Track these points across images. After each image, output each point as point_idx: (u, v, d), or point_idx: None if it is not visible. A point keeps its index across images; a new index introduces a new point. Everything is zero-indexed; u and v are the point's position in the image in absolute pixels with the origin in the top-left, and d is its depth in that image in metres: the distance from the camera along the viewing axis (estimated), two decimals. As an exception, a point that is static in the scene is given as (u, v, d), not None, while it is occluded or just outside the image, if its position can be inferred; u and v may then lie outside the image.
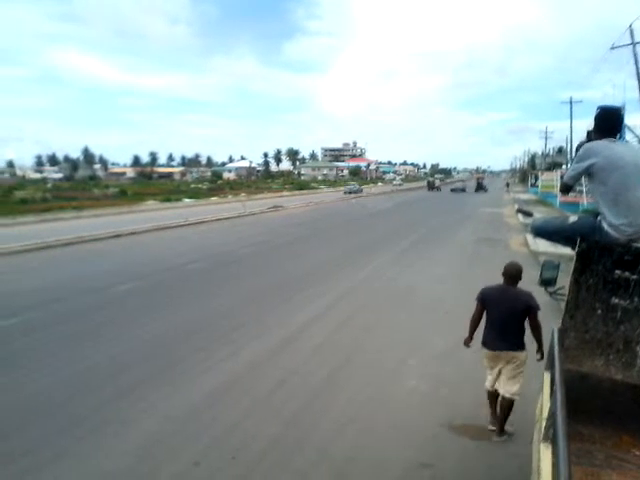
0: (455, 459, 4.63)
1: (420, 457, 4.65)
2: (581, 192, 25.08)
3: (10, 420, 5.39)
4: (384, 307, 9.86)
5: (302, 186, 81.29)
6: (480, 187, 66.30)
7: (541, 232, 4.25)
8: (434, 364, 6.92)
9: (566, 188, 3.93)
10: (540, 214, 23.17)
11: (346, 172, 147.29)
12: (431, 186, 73.86)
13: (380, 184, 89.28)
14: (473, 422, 5.30)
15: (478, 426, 5.21)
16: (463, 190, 63.96)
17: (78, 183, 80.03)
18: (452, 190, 64.44)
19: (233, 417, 5.40)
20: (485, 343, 4.95)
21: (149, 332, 8.29)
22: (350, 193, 59.80)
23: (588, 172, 3.48)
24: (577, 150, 3.82)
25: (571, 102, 53.14)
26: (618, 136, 3.65)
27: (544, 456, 2.36)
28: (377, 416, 5.46)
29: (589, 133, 3.75)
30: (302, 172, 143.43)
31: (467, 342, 5.21)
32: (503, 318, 4.79)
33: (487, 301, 4.96)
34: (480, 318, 5.05)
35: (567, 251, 3.99)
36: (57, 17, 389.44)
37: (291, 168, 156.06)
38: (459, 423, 5.26)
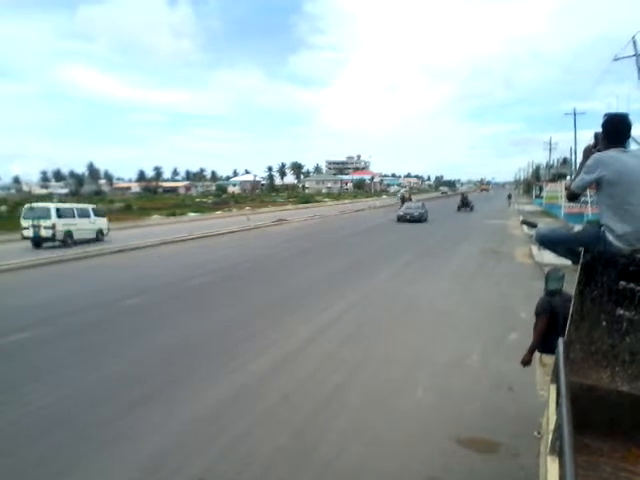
0: (463, 473, 4.60)
1: (427, 471, 4.62)
2: (586, 203, 25.06)
3: (22, 432, 5.41)
4: (388, 320, 9.84)
5: (306, 199, 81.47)
6: (465, 205, 48.55)
7: (545, 241, 4.23)
8: (440, 376, 6.90)
9: (573, 196, 3.91)
10: (545, 225, 23.14)
11: (350, 185, 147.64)
12: (404, 201, 51.55)
13: (385, 197, 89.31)
14: (480, 435, 5.27)
15: (485, 439, 5.18)
16: (418, 220, 34.72)
17: (84, 198, 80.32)
18: (399, 219, 35.26)
19: (240, 430, 5.39)
20: None
21: (156, 346, 8.30)
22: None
23: (596, 183, 3.45)
24: (584, 154, 3.77)
25: (575, 114, 53.21)
26: (627, 143, 3.61)
27: (551, 469, 2.35)
28: (383, 429, 5.44)
29: (597, 135, 3.71)
30: (306, 185, 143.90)
31: (529, 361, 5.29)
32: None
33: (558, 310, 5.01)
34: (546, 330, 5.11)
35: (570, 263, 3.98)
36: (62, 34, 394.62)
37: (295, 181, 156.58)
38: (466, 436, 5.23)
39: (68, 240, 22.49)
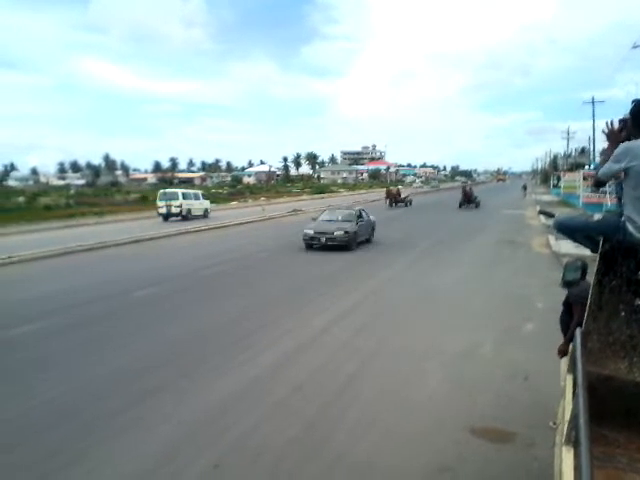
0: (476, 463, 4.57)
1: (440, 461, 4.59)
2: (604, 193, 24.68)
3: (32, 424, 5.44)
4: (403, 310, 9.82)
5: (321, 190, 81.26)
6: (468, 200, 38.79)
7: (564, 228, 4.15)
8: (454, 366, 6.87)
9: (599, 183, 3.83)
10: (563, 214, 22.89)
11: (365, 175, 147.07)
12: (389, 197, 42.48)
13: (400, 187, 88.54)
14: (494, 425, 5.22)
15: (499, 429, 5.14)
16: (344, 246, 17.67)
17: (100, 189, 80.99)
18: (307, 246, 18.36)
19: (252, 421, 5.40)
20: None
21: (168, 336, 8.36)
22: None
23: (623, 172, 3.35)
24: (610, 139, 3.61)
25: (593, 102, 52.31)
26: None
27: (566, 459, 2.32)
28: (396, 420, 5.41)
29: (624, 121, 3.58)
30: (322, 176, 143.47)
31: (567, 351, 5.11)
32: None
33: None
34: None
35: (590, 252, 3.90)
36: (76, 26, 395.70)
37: (310, 172, 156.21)
38: (479, 426, 5.19)
39: (189, 216, 31.04)
